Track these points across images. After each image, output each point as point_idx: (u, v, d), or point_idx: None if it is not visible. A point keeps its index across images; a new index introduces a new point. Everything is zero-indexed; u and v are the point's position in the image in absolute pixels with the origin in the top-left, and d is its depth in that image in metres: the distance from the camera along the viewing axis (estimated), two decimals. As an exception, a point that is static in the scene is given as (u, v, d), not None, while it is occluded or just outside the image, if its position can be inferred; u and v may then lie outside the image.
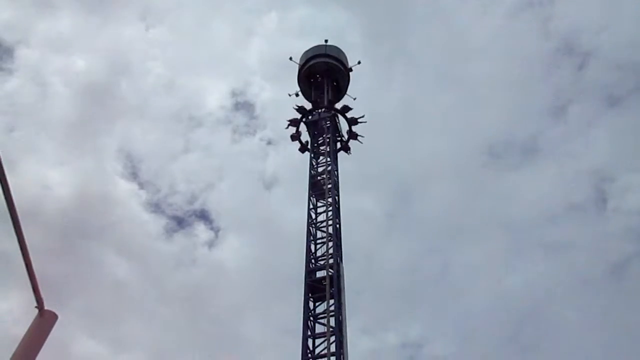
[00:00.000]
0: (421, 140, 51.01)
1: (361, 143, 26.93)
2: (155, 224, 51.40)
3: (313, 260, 20.77)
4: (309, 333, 18.81)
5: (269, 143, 50.61)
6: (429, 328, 44.49)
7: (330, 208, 22.31)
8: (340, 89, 28.48)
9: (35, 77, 51.72)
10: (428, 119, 52.10)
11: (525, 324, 44.25)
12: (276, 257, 42.57)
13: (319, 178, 23.86)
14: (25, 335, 3.95)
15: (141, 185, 57.14)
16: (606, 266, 45.86)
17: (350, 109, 27.09)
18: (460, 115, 53.41)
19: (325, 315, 18.87)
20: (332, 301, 19.01)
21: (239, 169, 52.27)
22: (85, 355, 39.96)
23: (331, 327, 18.39)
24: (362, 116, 27.08)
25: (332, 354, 17.81)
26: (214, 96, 63.22)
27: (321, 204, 22.88)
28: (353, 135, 26.99)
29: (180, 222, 56.88)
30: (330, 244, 20.93)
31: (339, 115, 27.06)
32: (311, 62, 28.21)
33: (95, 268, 43.46)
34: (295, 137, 26.85)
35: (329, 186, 23.11)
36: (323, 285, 19.53)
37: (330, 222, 21.79)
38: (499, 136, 51.08)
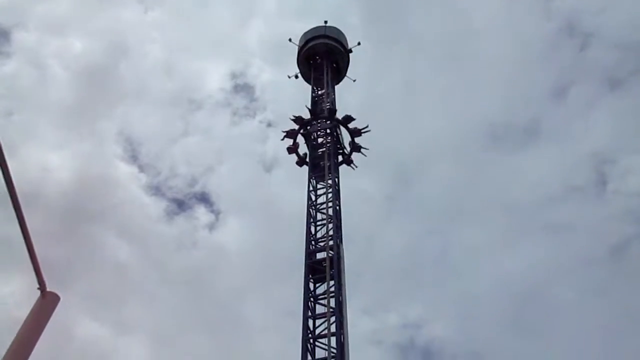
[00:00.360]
0: (421, 122, 50.96)
1: (365, 156, 25.05)
2: (156, 206, 51.57)
3: (313, 242, 20.88)
4: (310, 314, 18.98)
5: (269, 125, 50.55)
6: (429, 309, 44.81)
7: (330, 190, 22.37)
8: (340, 71, 28.39)
9: (33, 60, 51.55)
10: (428, 100, 51.93)
11: (525, 306, 44.50)
12: (277, 239, 42.81)
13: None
14: (28, 316, 4.01)
15: (141, 168, 57.22)
16: (606, 248, 45.98)
17: (353, 119, 25.09)
18: (460, 97, 53.28)
19: (326, 296, 19.03)
20: (332, 282, 19.16)
21: (239, 152, 52.27)
22: (89, 337, 40.40)
23: (331, 307, 18.55)
24: (366, 127, 25.02)
25: (333, 334, 17.99)
26: (213, 78, 63.08)
27: (321, 186, 22.95)
28: (356, 148, 25.05)
29: (180, 205, 57.02)
30: (330, 225, 21.04)
31: (341, 126, 25.18)
32: (311, 44, 28.08)
33: (96, 251, 43.69)
34: (292, 149, 25.10)
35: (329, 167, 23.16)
36: (323, 266, 19.66)
37: (330, 204, 21.87)
38: (499, 118, 50.82)
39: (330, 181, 22.64)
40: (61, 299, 4.25)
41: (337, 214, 21.68)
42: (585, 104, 50.86)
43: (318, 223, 21.55)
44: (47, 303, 4.04)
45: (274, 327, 39.42)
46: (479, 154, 50.73)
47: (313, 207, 22.12)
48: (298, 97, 26.25)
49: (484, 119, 51.06)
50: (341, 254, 20.20)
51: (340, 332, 18.15)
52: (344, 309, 18.70)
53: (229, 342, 41.05)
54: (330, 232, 20.75)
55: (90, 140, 51.63)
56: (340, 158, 24.78)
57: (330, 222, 21.16)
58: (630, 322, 37.15)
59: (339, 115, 25.02)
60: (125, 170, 51.02)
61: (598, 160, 46.95)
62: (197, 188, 51.70)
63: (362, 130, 24.86)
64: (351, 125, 25.03)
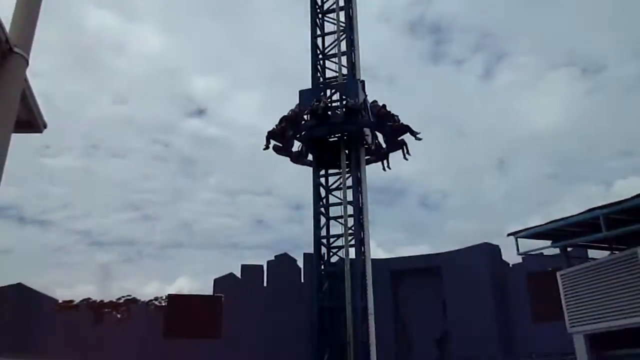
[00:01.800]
0: None
1: (407, 159, 17.58)
2: None
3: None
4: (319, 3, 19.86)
5: None
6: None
7: None
8: None
9: None
10: None
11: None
12: None
13: None
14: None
15: None
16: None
17: (394, 115, 16.75)
18: None
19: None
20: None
21: None
22: (100, 28, 41.02)
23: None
24: (419, 133, 17.11)
25: (342, 9, 18.99)
26: None
27: None
28: (397, 145, 17.07)
29: None
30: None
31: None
32: None
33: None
34: (282, 148, 17.07)
35: None
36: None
37: None
38: None
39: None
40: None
41: None
42: None
43: None
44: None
45: (282, 10, 38.67)
46: None
47: None
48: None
49: None
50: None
51: (349, 6, 19.03)
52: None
53: (240, 25, 41.78)
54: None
55: None
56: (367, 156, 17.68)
57: None
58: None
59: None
60: None
61: None
62: None
63: (414, 135, 17.19)
64: (392, 120, 17.31)
